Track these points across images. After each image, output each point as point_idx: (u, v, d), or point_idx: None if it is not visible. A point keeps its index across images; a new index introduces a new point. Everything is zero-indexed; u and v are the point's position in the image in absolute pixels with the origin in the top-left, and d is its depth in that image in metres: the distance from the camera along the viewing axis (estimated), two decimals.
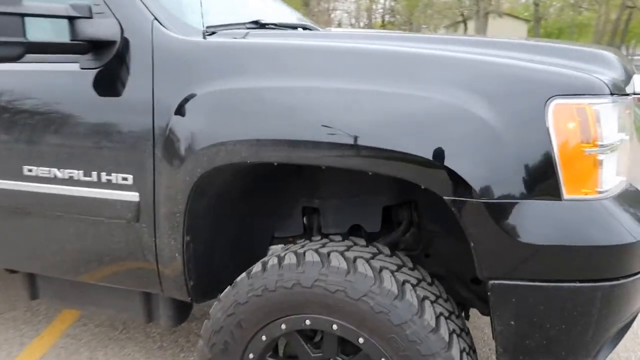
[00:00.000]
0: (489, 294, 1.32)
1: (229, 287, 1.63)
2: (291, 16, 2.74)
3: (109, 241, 1.75)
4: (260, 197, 1.93)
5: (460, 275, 1.88)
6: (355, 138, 1.33)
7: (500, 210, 1.26)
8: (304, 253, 1.53)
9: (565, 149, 1.25)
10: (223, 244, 1.88)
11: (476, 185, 1.26)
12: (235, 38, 1.65)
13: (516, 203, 1.26)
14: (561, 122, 1.25)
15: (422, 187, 1.32)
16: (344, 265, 1.44)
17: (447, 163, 1.27)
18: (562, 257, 1.27)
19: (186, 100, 1.54)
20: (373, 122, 1.32)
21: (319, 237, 1.93)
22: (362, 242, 1.64)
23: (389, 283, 1.41)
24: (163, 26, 1.63)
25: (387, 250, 1.60)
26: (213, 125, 1.50)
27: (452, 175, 1.27)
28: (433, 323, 1.37)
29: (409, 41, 1.66)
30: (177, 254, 1.66)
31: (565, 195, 1.26)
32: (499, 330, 1.34)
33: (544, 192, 1.26)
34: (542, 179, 1.26)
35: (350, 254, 1.50)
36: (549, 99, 1.25)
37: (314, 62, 1.46)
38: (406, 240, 1.88)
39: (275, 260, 1.54)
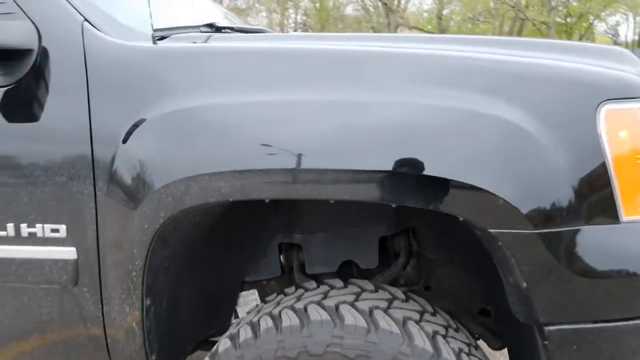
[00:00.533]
0: (545, 343, 1.09)
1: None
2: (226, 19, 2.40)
3: (37, 314, 1.32)
4: (228, 236, 1.58)
5: (467, 307, 1.65)
6: (382, 163, 1.05)
7: (557, 242, 1.04)
8: (306, 308, 1.21)
9: (621, 161, 1.06)
10: (188, 300, 1.51)
11: (529, 213, 1.02)
12: (196, 43, 1.31)
13: (575, 231, 1.04)
14: (613, 131, 1.05)
15: (461, 219, 1.07)
16: (361, 321, 1.14)
17: (492, 188, 1.02)
18: (628, 290, 1.07)
19: (140, 123, 1.17)
20: (399, 142, 1.05)
21: (303, 279, 1.64)
22: (369, 285, 1.35)
23: (420, 339, 1.13)
24: (98, 29, 1.26)
25: (400, 294, 1.33)
26: (180, 155, 1.15)
27: (499, 202, 1.03)
28: None
29: (410, 42, 1.41)
30: (134, 324, 1.27)
31: (624, 217, 1.06)
32: None
33: (602, 215, 1.06)
34: (599, 199, 1.06)
35: (363, 305, 1.21)
36: (599, 104, 1.05)
37: (314, 69, 1.16)
38: (407, 274, 1.62)
39: (270, 321, 1.21)
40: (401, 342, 1.11)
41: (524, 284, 1.06)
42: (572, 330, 1.07)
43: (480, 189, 1.02)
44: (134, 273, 1.22)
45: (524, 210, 1.02)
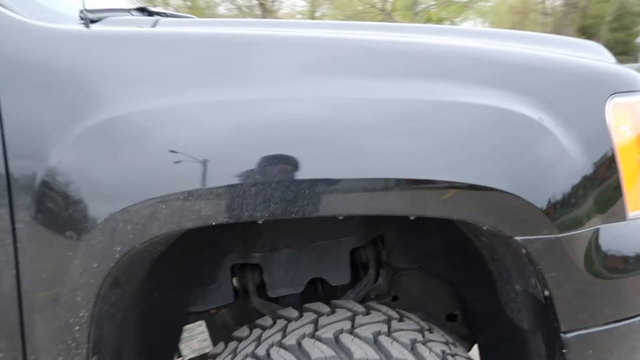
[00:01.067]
0: (564, 351, 1.03)
1: None
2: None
3: None
4: (171, 262, 1.32)
5: (434, 314, 1.58)
6: (410, 170, 0.90)
7: (579, 244, 0.99)
8: (300, 344, 1.02)
9: (627, 156, 1.03)
10: (129, 349, 1.22)
11: (554, 216, 0.95)
12: (143, 27, 1.04)
13: (594, 232, 1.00)
14: (619, 124, 1.03)
15: (485, 228, 0.96)
16: (373, 355, 0.99)
17: (518, 192, 0.93)
18: (636, 288, 1.05)
19: (79, 131, 0.89)
20: (423, 144, 0.91)
21: (263, 304, 1.44)
22: (359, 307, 1.19)
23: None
24: (8, 9, 0.93)
25: (395, 313, 1.19)
26: (141, 168, 0.89)
27: (525, 206, 0.94)
28: None
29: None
30: None
31: (629, 213, 1.04)
32: None
33: (613, 213, 1.03)
34: (611, 196, 1.02)
35: (365, 331, 1.06)
36: (607, 97, 1.02)
37: (298, 59, 0.97)
38: (379, 287, 1.49)
39: None
40: None
41: (546, 292, 1.00)
42: (588, 335, 1.03)
43: (506, 193, 0.93)
44: (77, 327, 0.93)
45: (550, 213, 0.95)
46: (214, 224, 0.90)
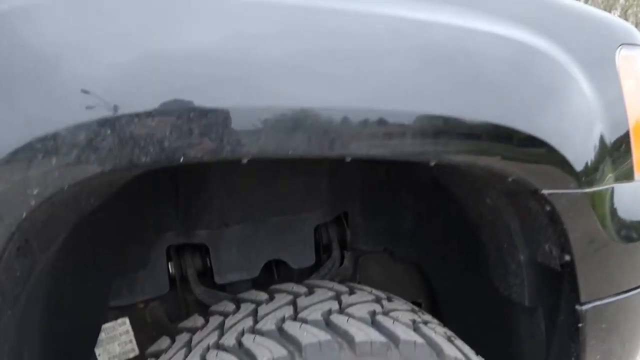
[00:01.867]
0: (579, 325, 0.91)
1: None
2: None
3: None
4: (91, 238, 1.02)
5: None
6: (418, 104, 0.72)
7: (601, 203, 0.88)
8: (280, 329, 0.79)
9: (634, 110, 0.96)
10: (32, 351, 0.90)
11: (580, 169, 0.83)
12: None
13: (611, 190, 0.90)
14: (626, 75, 0.95)
15: (510, 179, 0.81)
16: (376, 336, 0.79)
17: (549, 139, 0.80)
18: None
19: None
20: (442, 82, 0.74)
21: (207, 293, 1.17)
22: (343, 287, 0.98)
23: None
24: None
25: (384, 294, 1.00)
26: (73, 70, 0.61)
27: (555, 156, 0.81)
28: None
29: None
30: None
31: (636, 174, 0.96)
32: None
33: (623, 172, 0.94)
34: (622, 155, 0.93)
35: (360, 312, 0.85)
36: (618, 47, 0.93)
37: None
38: (345, 270, 1.29)
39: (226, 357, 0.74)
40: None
41: (566, 257, 0.87)
42: (603, 306, 0.92)
43: (538, 139, 0.79)
44: None
45: (578, 166, 0.83)
46: (181, 160, 0.65)
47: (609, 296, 0.93)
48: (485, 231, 1.04)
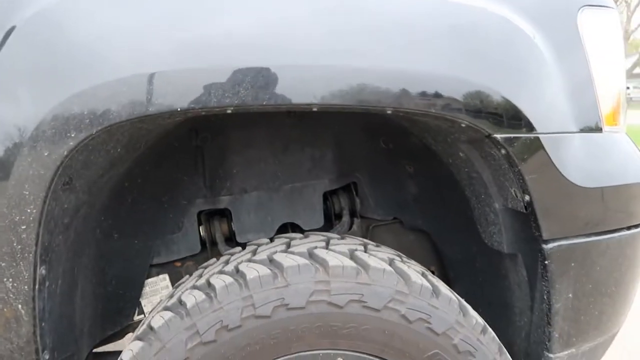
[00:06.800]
0: (546, 263, 0.99)
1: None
2: None
3: None
4: (133, 206, 1.24)
5: None
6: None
7: (557, 147, 0.96)
8: (271, 259, 0.95)
9: (598, 65, 1.03)
10: (84, 283, 1.12)
11: (532, 115, 0.93)
12: None
13: (570, 137, 0.98)
14: (590, 34, 1.03)
15: (463, 125, 0.93)
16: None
17: (498, 88, 0.91)
18: (616, 200, 1.03)
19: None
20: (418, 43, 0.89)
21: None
22: (331, 235, 1.13)
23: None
24: None
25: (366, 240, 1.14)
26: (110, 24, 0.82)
27: (502, 102, 0.92)
28: None
29: None
30: (19, 306, 0.87)
31: (605, 126, 1.04)
32: (556, 309, 1.02)
33: (587, 122, 1.02)
34: (585, 105, 1.01)
35: (340, 247, 1.00)
36: (580, 8, 1.02)
37: None
38: (354, 235, 1.43)
39: (226, 279, 0.92)
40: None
41: (526, 198, 0.96)
42: (570, 246, 1.00)
43: (486, 89, 0.90)
44: (23, 226, 0.84)
45: (528, 112, 0.93)
46: (178, 109, 0.84)
47: (575, 237, 1.00)
48: (467, 185, 1.14)
